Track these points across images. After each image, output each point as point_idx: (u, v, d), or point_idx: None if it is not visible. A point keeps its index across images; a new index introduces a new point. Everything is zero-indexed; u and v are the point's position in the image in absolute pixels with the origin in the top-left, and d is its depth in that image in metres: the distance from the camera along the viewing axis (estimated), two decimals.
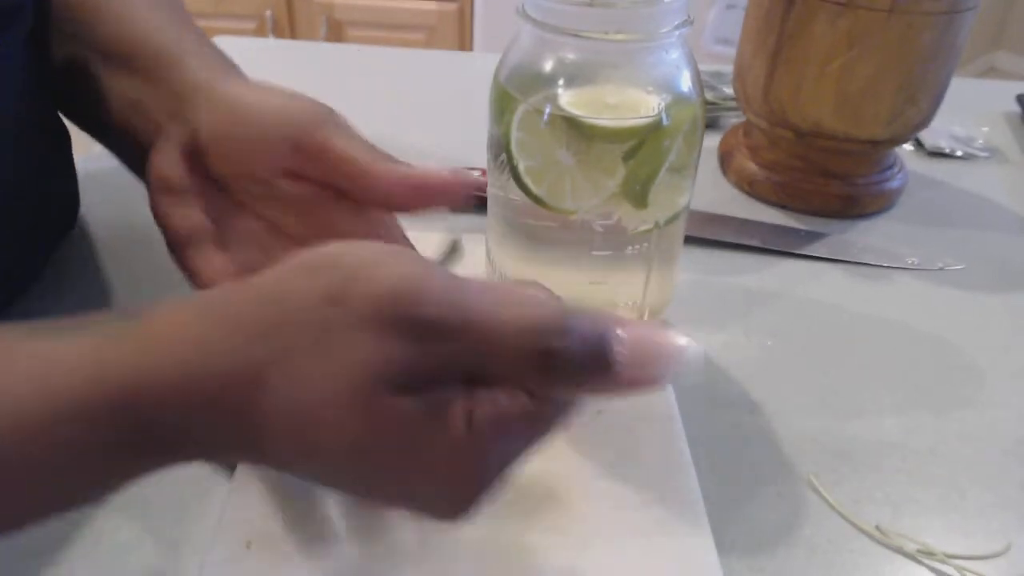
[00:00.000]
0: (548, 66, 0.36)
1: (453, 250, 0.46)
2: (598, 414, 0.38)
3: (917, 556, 0.35)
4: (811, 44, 0.53)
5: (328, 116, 0.33)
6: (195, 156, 0.34)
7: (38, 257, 0.47)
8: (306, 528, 0.32)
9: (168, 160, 0.34)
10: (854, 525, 0.36)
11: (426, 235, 0.41)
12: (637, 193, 0.37)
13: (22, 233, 0.45)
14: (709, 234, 0.55)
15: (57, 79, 0.42)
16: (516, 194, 0.37)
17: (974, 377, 0.45)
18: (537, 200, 0.37)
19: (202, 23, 0.42)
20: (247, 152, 0.33)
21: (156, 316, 0.24)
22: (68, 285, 0.47)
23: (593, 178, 0.36)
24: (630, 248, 0.38)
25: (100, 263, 0.50)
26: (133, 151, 0.38)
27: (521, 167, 0.37)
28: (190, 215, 0.33)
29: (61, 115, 0.48)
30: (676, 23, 0.34)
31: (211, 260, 0.33)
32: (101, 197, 0.55)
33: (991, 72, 2.76)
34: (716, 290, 0.50)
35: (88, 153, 0.54)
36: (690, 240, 0.54)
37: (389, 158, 0.33)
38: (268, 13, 2.04)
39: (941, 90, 0.56)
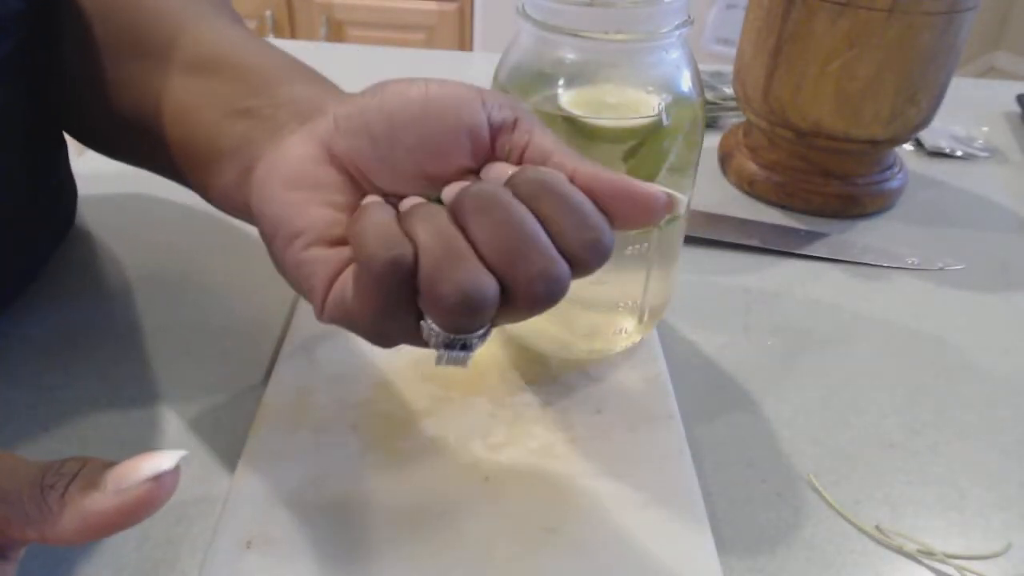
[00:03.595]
0: (548, 66, 0.36)
1: None
2: (598, 414, 0.38)
3: (917, 556, 0.35)
4: (811, 44, 0.53)
5: (516, 102, 0.30)
6: (335, 149, 0.30)
7: (36, 259, 0.47)
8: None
9: (300, 154, 0.30)
10: (854, 525, 0.36)
11: None
12: None
13: (20, 235, 0.45)
14: (709, 234, 0.55)
15: (71, 87, 0.41)
16: None
17: (974, 377, 0.45)
18: None
19: None
20: (437, 141, 0.29)
21: None
22: (66, 286, 0.47)
23: None
24: (630, 248, 0.38)
25: (98, 264, 0.50)
26: (193, 162, 0.37)
27: None
28: (320, 212, 0.29)
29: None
30: (676, 23, 0.34)
31: (332, 258, 0.29)
32: (99, 197, 0.55)
33: (991, 72, 2.77)
34: (716, 290, 0.50)
35: (84, 154, 0.54)
36: (690, 240, 0.54)
37: (580, 156, 0.29)
38: (268, 13, 2.04)
39: (941, 90, 0.56)
